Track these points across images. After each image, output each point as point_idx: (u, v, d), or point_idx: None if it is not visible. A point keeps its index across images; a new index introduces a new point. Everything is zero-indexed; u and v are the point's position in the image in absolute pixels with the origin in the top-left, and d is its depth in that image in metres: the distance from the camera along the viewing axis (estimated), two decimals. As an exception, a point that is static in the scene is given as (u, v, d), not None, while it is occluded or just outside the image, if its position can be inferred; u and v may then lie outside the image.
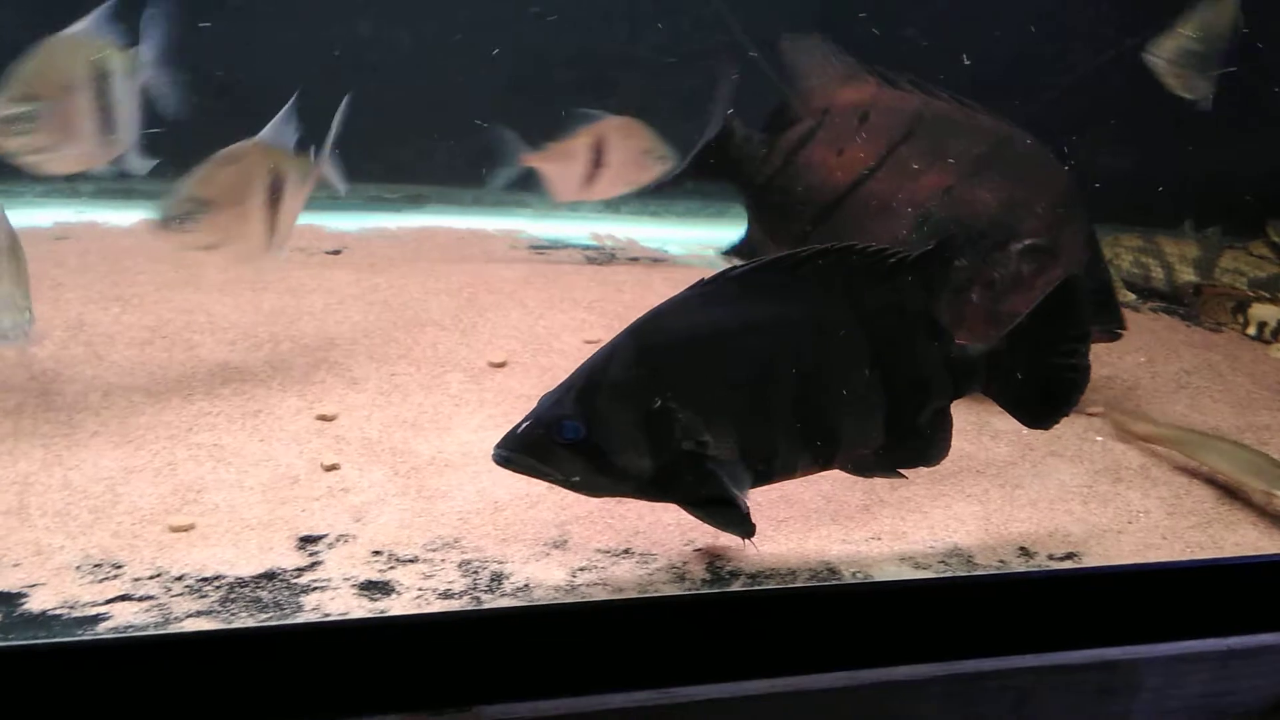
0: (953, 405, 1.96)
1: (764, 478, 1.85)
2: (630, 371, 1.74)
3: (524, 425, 1.73)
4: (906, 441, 1.94)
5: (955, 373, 1.92)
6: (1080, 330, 1.96)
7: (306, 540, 1.88)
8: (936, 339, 1.91)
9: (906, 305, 1.88)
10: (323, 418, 2.31)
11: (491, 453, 1.72)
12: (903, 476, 1.96)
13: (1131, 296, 3.70)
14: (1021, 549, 2.06)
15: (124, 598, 1.67)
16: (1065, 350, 1.95)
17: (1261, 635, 2.01)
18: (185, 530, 1.87)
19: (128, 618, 1.61)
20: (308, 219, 3.68)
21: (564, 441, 1.71)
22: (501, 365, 2.65)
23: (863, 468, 1.95)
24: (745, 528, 1.81)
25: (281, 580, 1.76)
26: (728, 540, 1.97)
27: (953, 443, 1.97)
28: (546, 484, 1.77)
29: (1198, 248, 3.54)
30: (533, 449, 1.72)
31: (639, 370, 1.74)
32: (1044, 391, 1.97)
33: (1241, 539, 2.17)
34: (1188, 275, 3.57)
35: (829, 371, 1.83)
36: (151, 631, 1.59)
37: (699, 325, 1.80)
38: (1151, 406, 2.75)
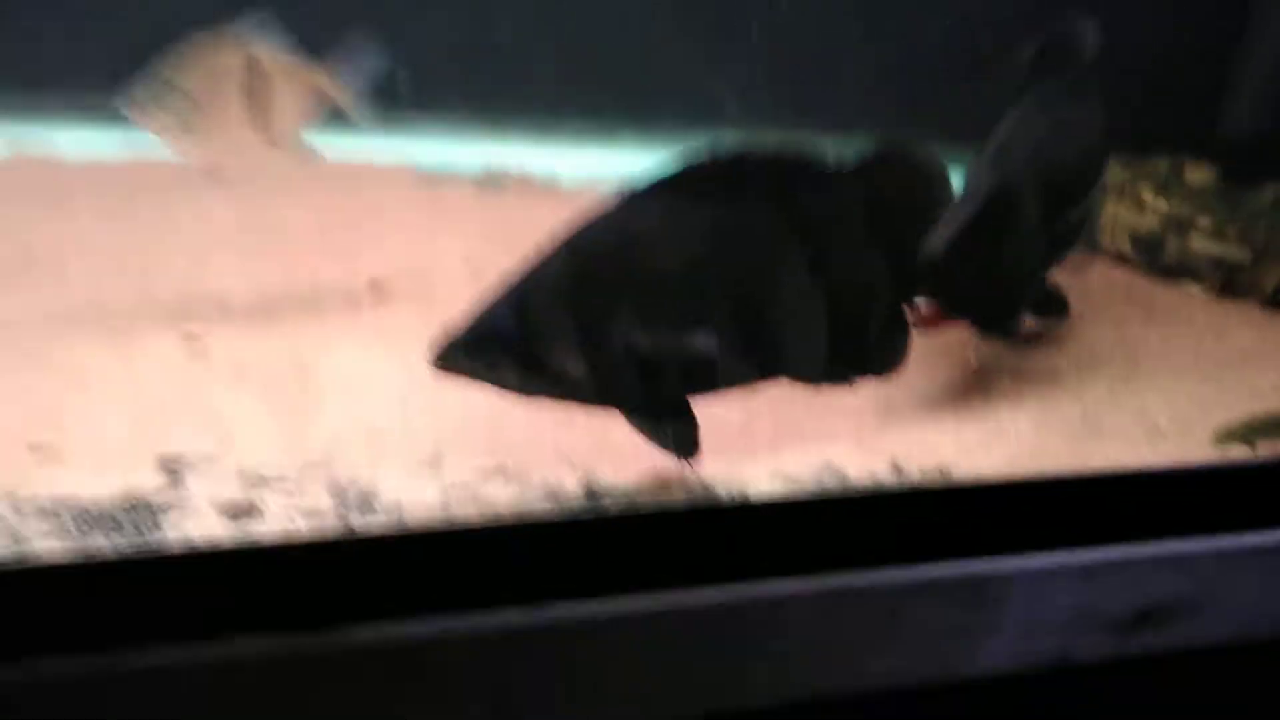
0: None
1: (707, 385, 1.84)
2: (561, 272, 1.73)
3: (458, 327, 1.73)
4: (855, 348, 1.91)
5: (900, 276, 1.90)
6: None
7: (169, 462, 1.83)
8: (881, 240, 1.87)
9: (848, 206, 1.85)
10: (191, 337, 2.25)
11: (428, 357, 1.72)
12: (850, 387, 1.93)
13: None
14: (894, 464, 2.09)
15: (-30, 521, 1.62)
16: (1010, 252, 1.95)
17: (1126, 546, 2.06)
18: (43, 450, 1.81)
19: (-24, 542, 1.56)
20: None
21: (497, 342, 1.72)
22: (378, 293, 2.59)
23: (809, 377, 1.92)
24: (682, 444, 1.81)
25: (141, 503, 1.71)
26: (605, 461, 1.96)
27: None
28: (466, 382, 1.75)
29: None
30: (468, 350, 1.72)
31: (569, 270, 1.73)
32: (995, 292, 1.97)
33: (1105, 452, 2.22)
34: None
35: (765, 273, 1.81)
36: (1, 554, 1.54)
37: (630, 225, 1.77)
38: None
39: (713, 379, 1.83)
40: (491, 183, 3.80)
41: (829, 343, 1.87)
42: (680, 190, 1.79)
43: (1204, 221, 3.28)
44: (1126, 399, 2.43)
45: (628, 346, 1.74)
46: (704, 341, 1.78)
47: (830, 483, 2.02)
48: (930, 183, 2.01)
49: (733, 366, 1.83)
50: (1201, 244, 3.25)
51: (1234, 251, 3.20)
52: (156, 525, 1.65)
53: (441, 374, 1.75)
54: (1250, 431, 2.21)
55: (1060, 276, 3.02)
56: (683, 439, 1.83)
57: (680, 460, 1.83)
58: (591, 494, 1.88)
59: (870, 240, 1.86)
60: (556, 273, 1.74)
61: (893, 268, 1.88)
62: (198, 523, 1.68)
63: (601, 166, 3.91)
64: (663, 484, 1.93)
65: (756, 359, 1.84)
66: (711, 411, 2.15)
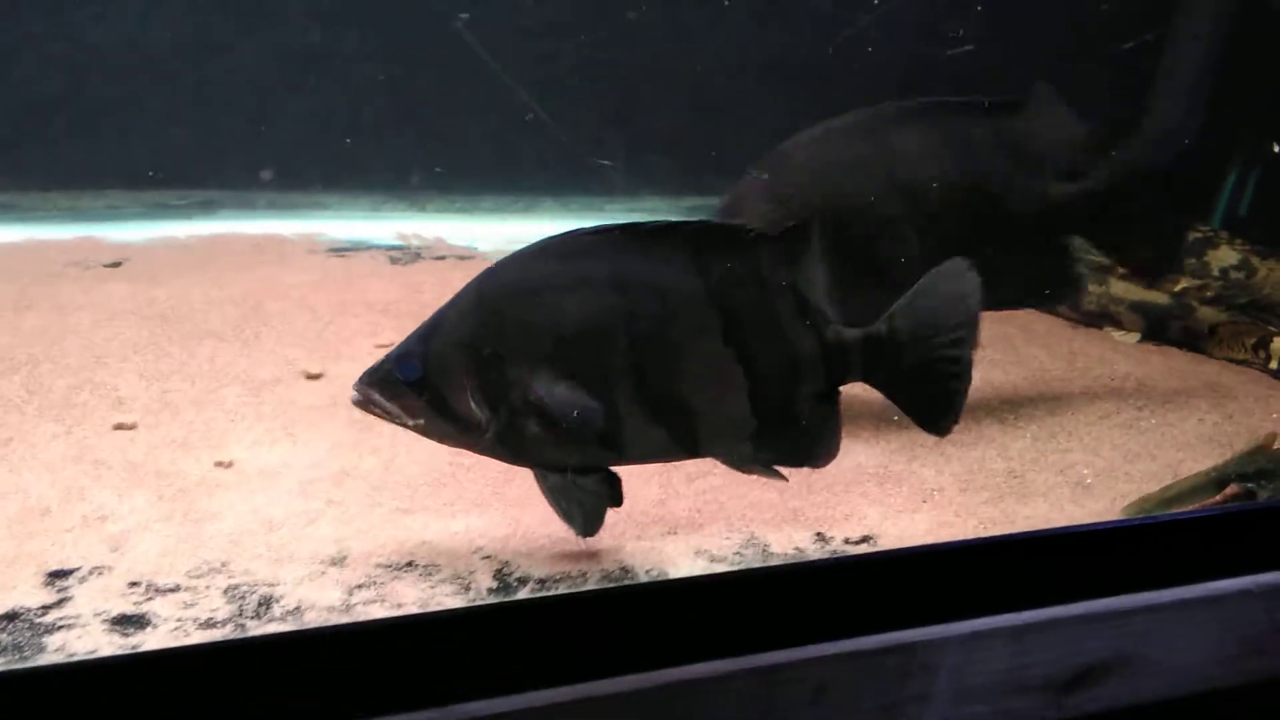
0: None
1: (616, 450, 1.79)
2: (464, 317, 1.73)
3: (378, 365, 1.76)
4: (784, 432, 1.85)
5: (829, 355, 1.81)
6: (964, 318, 1.83)
7: (56, 575, 1.74)
8: (806, 317, 1.80)
9: (768, 279, 1.78)
10: (82, 443, 2.15)
11: (349, 393, 1.75)
12: (781, 477, 1.85)
13: None
14: (818, 534, 2.04)
15: None
16: (947, 340, 1.82)
17: (1056, 608, 2.02)
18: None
19: None
20: (84, 229, 3.51)
21: (404, 380, 1.72)
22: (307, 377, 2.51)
23: (740, 460, 1.85)
24: (588, 519, 1.80)
25: (24, 620, 1.61)
26: (519, 545, 1.90)
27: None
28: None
29: None
30: (379, 385, 1.74)
31: (472, 316, 1.73)
32: (928, 386, 1.85)
33: (1033, 512, 2.18)
34: None
35: (672, 338, 1.76)
36: None
37: (534, 277, 1.75)
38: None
39: (621, 446, 1.78)
40: (406, 254, 3.75)
41: (754, 424, 1.82)
42: (594, 245, 1.76)
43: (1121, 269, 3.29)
44: (1052, 455, 2.40)
45: (527, 398, 1.71)
46: (608, 401, 1.74)
47: (753, 557, 1.96)
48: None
49: (643, 434, 1.78)
50: (1122, 289, 3.26)
51: (1155, 296, 3.21)
52: (39, 647, 1.55)
53: (360, 409, 1.76)
54: (1160, 506, 2.20)
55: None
56: (589, 512, 1.79)
57: (578, 535, 1.80)
58: (506, 584, 1.81)
59: (795, 315, 1.81)
60: (462, 317, 1.73)
61: (823, 348, 1.82)
62: (85, 639, 1.58)
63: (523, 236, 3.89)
64: (580, 569, 1.86)
65: (666, 429, 1.79)
66: (628, 486, 2.10)
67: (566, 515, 1.81)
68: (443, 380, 1.72)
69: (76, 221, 3.66)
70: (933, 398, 1.87)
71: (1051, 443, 2.46)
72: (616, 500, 1.84)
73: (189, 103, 3.76)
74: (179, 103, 3.73)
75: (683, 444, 1.82)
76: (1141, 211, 2.60)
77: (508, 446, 1.76)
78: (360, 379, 1.75)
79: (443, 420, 1.74)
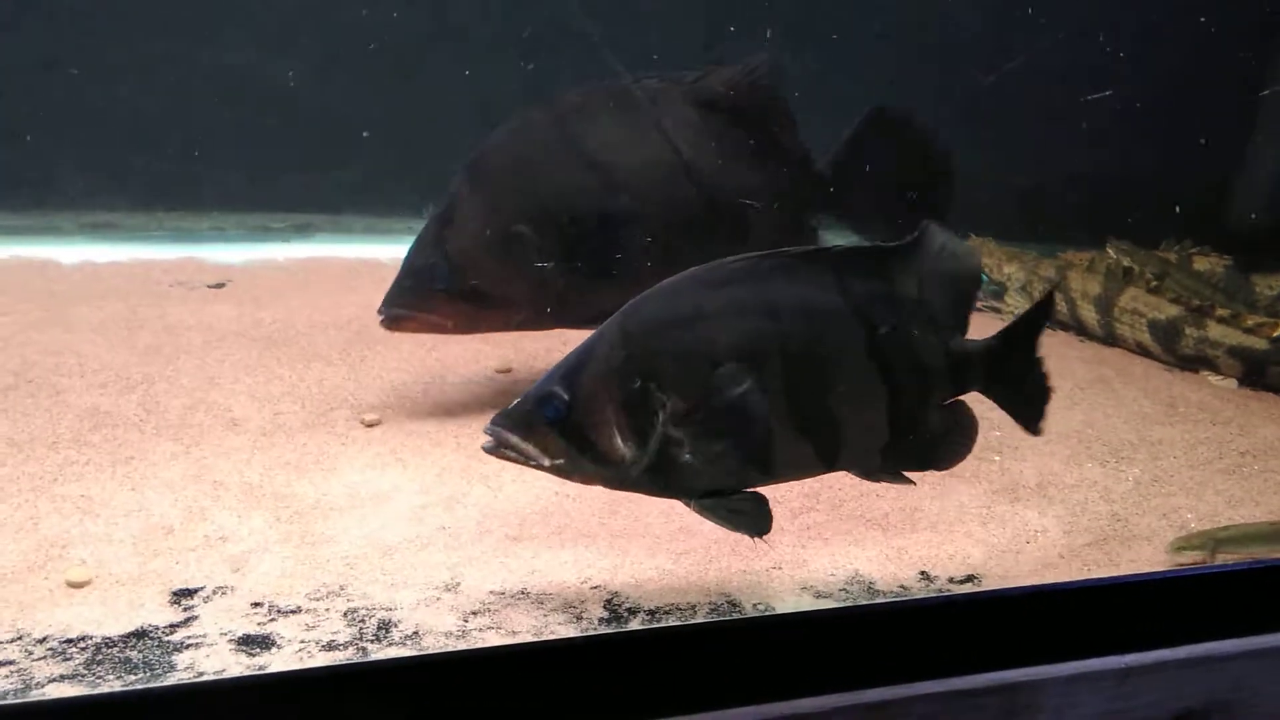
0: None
1: (765, 471, 1.80)
2: (613, 352, 1.73)
3: (514, 403, 1.75)
4: (914, 439, 1.88)
5: (954, 366, 1.86)
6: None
7: (181, 594, 1.79)
8: (933, 330, 1.85)
9: (899, 294, 1.83)
10: (201, 462, 2.21)
11: (482, 438, 1.75)
12: (909, 482, 1.89)
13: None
14: (922, 573, 2.04)
15: (-20, 664, 1.57)
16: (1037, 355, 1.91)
17: (1158, 651, 2.01)
18: (80, 586, 1.78)
19: (-16, 686, 1.52)
20: (188, 251, 3.60)
21: (547, 419, 1.72)
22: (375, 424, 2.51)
23: (870, 469, 1.89)
24: (755, 522, 1.78)
25: (153, 638, 1.66)
26: (627, 576, 1.92)
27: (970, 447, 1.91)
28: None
29: (1100, 284, 3.55)
30: (519, 425, 1.73)
31: (621, 351, 1.73)
32: (1032, 392, 1.92)
33: (1136, 555, 2.17)
34: (1089, 313, 3.58)
35: (822, 357, 1.78)
36: (11, 700, 1.49)
37: (684, 307, 1.77)
38: (1047, 423, 2.74)
39: (771, 465, 1.80)
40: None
41: (888, 436, 1.85)
42: (739, 272, 1.79)
43: (1221, 310, 3.26)
44: (1155, 499, 2.38)
45: (681, 428, 1.72)
46: (757, 425, 1.76)
47: (858, 594, 1.97)
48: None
49: (791, 452, 1.81)
50: (1219, 332, 3.22)
51: (1253, 340, 3.17)
52: (169, 665, 1.60)
53: (492, 454, 1.75)
54: (1208, 542, 2.18)
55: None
56: (748, 514, 1.80)
57: (753, 537, 1.80)
58: (616, 614, 1.83)
59: (927, 328, 1.85)
60: (611, 351, 1.74)
61: (948, 359, 1.86)
62: (212, 658, 1.62)
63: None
64: (688, 600, 1.88)
65: (813, 445, 1.82)
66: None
67: (732, 525, 1.81)
68: (588, 417, 1.72)
69: (179, 242, 3.75)
70: (1031, 397, 1.92)
71: (1154, 487, 2.44)
72: (766, 518, 1.82)
73: (290, 128, 3.84)
74: (281, 128, 3.80)
75: (824, 459, 1.85)
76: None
77: (659, 477, 1.76)
78: (494, 421, 1.75)
79: (585, 458, 1.74)
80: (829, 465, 1.87)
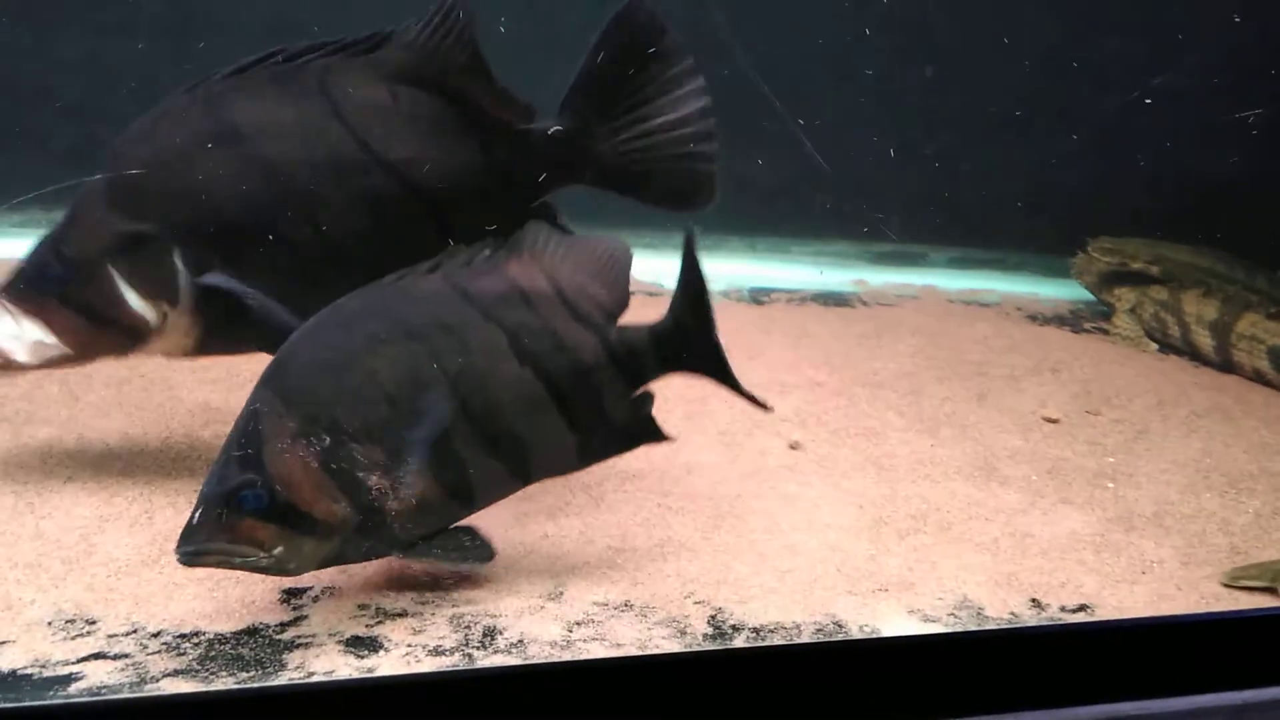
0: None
1: (467, 499, 1.79)
2: (284, 419, 1.64)
3: (196, 515, 1.61)
4: (602, 433, 1.88)
5: (618, 359, 1.85)
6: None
7: (291, 593, 1.80)
8: (585, 326, 1.84)
9: (529, 293, 1.82)
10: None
11: (176, 557, 1.61)
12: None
13: (1153, 347, 3.66)
14: (1033, 600, 1.99)
15: (98, 656, 1.59)
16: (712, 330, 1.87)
17: (1275, 689, 1.94)
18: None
19: (101, 678, 1.54)
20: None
21: (250, 510, 1.61)
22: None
23: (570, 471, 1.95)
24: (478, 553, 1.79)
25: (264, 636, 1.68)
26: (730, 592, 1.90)
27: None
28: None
29: (1216, 309, 3.46)
30: (217, 534, 1.60)
31: (293, 413, 1.64)
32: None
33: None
34: (1204, 338, 3.49)
35: (480, 372, 1.75)
36: (126, 694, 1.51)
37: (329, 353, 1.71)
38: (1163, 451, 2.67)
39: (471, 492, 1.79)
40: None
41: (574, 437, 1.85)
42: (370, 299, 1.77)
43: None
44: (1276, 532, 2.30)
45: (381, 470, 1.69)
46: (447, 451, 1.74)
47: (967, 619, 1.92)
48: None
49: (485, 475, 1.79)
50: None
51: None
52: (280, 664, 1.61)
53: (197, 567, 1.69)
54: (1266, 573, 2.10)
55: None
56: (474, 547, 1.80)
57: (483, 564, 1.81)
58: (720, 630, 1.81)
59: (571, 324, 1.84)
60: (277, 418, 1.65)
61: (610, 351, 1.85)
62: (321, 659, 1.63)
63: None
64: (793, 619, 1.85)
65: (504, 464, 1.81)
66: (853, 536, 2.09)
67: (457, 561, 1.79)
68: (296, 493, 1.62)
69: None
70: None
71: (1276, 520, 2.36)
72: (486, 546, 1.81)
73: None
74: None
75: (518, 474, 1.85)
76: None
77: (373, 536, 1.71)
78: (184, 538, 1.61)
79: (303, 537, 1.64)
80: (524, 479, 1.87)
